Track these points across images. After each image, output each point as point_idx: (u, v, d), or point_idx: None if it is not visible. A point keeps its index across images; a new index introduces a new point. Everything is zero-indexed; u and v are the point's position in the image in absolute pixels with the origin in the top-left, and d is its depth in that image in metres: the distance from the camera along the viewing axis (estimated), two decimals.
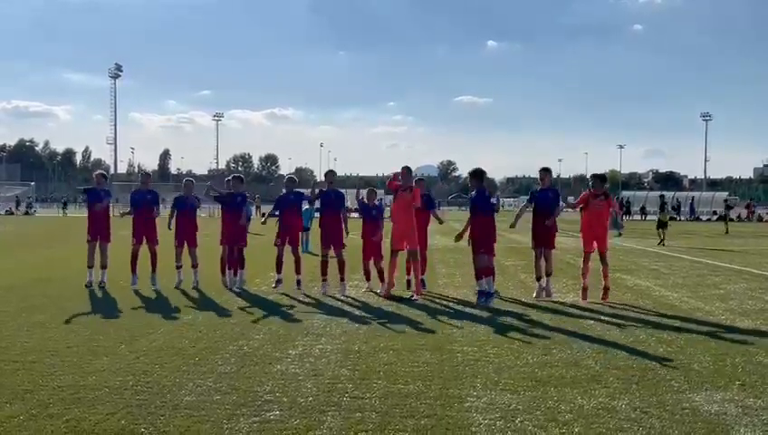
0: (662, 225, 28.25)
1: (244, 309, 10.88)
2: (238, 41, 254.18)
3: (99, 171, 14.69)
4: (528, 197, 12.93)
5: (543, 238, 12.23)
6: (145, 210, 13.42)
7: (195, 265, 13.32)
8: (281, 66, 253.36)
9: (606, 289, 11.90)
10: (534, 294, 12.08)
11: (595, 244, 12.00)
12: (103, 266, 13.18)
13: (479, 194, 11.73)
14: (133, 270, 13.04)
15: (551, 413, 5.73)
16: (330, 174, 13.43)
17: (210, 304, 11.32)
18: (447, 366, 7.28)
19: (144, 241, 13.28)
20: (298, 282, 12.81)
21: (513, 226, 12.65)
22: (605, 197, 12.07)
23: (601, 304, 11.52)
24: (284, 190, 13.53)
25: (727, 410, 5.84)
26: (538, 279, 12.23)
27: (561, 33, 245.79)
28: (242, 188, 13.81)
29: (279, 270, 12.88)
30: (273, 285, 12.83)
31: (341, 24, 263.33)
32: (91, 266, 13.14)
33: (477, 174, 11.85)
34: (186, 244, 13.36)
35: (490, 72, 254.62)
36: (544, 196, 12.31)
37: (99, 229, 13.29)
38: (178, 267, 13.31)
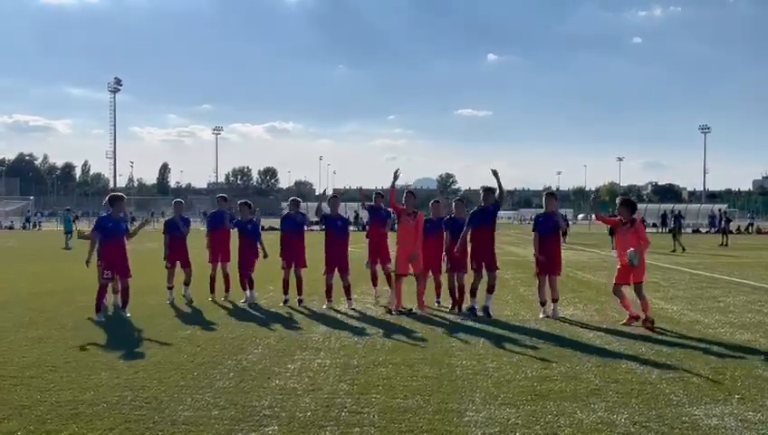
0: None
1: (242, 323, 10.87)
2: (239, 55, 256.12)
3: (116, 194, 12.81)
4: (533, 225, 12.27)
5: (549, 265, 11.70)
6: (117, 239, 11.52)
7: (187, 283, 13.32)
8: (281, 80, 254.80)
9: (646, 320, 10.57)
10: (540, 316, 11.59)
11: (631, 276, 10.76)
12: (115, 292, 12.36)
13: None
14: (99, 307, 11.27)
15: (550, 428, 5.72)
16: (334, 199, 13.30)
17: (208, 319, 11.30)
18: (446, 380, 7.26)
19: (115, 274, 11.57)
20: (299, 301, 12.75)
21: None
22: (631, 224, 10.88)
23: (601, 318, 11.48)
24: (289, 211, 13.46)
25: (727, 424, 5.83)
26: (542, 305, 11.75)
27: (561, 46, 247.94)
28: (249, 214, 13.89)
29: (285, 291, 12.87)
30: (281, 304, 12.77)
31: (342, 38, 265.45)
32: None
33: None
34: (178, 264, 13.46)
35: (490, 86, 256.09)
36: (548, 220, 11.87)
37: None
38: (169, 288, 13.23)
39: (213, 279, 13.64)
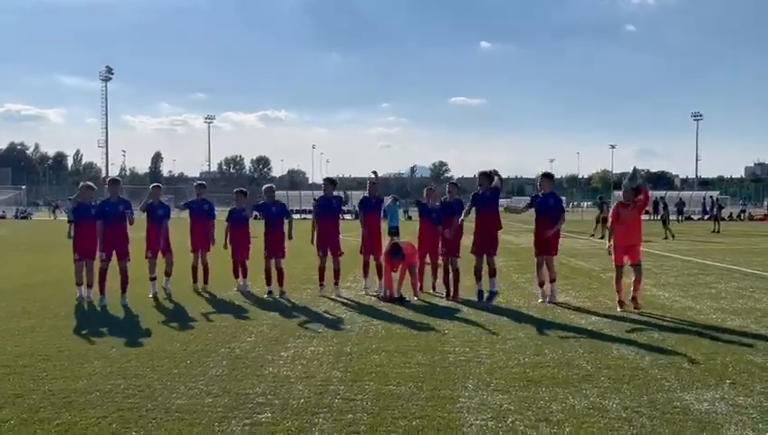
0: (604, 220, 30.94)
1: (235, 312, 10.86)
2: (232, 43, 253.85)
3: (85, 183, 12.66)
4: (528, 201, 12.43)
5: (545, 246, 11.87)
6: (115, 222, 11.78)
7: (168, 274, 12.91)
8: (274, 68, 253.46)
9: (634, 299, 10.88)
10: (539, 300, 11.74)
11: (626, 257, 11.04)
12: (89, 285, 12.01)
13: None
14: (102, 290, 11.66)
15: (542, 413, 5.75)
16: (328, 182, 13.20)
17: (201, 308, 11.29)
18: (439, 367, 7.28)
19: (114, 257, 11.83)
20: (281, 293, 12.61)
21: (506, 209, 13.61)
22: (633, 206, 11.04)
23: (594, 304, 11.53)
24: (264, 200, 13.26)
25: (718, 409, 5.86)
26: (541, 286, 11.93)
27: (554, 33, 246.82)
28: (244, 203, 13.81)
29: (268, 282, 12.79)
30: (266, 296, 12.75)
31: (335, 26, 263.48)
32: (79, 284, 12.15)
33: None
34: (160, 254, 12.95)
35: (483, 73, 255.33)
36: (545, 202, 11.91)
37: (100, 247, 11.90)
38: (152, 279, 12.74)
39: (195, 269, 13.49)
